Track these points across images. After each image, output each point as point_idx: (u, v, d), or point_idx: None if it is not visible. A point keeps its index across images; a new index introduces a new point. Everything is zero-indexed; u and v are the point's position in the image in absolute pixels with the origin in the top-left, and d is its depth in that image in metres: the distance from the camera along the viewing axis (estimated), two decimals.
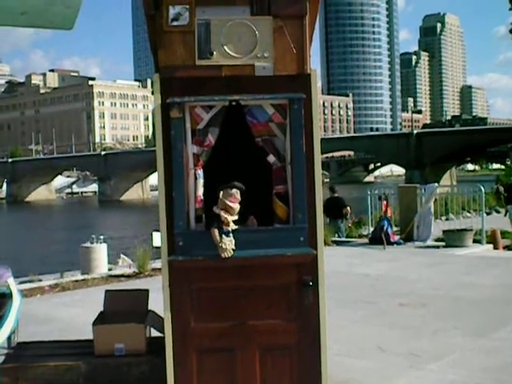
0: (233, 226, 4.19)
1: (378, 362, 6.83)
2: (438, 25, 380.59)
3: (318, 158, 4.34)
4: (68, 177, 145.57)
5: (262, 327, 4.31)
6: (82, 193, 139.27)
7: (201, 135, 4.30)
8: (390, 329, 8.23)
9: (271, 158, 4.34)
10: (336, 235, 19.10)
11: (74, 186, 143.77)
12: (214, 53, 4.24)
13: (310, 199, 4.30)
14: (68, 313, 9.68)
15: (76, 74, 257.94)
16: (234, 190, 4.20)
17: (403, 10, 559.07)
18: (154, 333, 5.42)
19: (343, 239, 19.09)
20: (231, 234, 4.17)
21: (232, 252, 4.17)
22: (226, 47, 4.24)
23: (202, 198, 4.31)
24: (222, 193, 4.20)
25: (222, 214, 4.16)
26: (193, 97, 4.21)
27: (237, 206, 4.21)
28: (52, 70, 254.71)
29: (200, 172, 4.31)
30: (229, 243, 4.16)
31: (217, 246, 4.14)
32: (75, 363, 5.05)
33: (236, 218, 4.21)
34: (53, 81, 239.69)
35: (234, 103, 4.27)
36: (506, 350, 7.19)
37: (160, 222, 4.29)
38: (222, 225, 4.16)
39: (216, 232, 4.15)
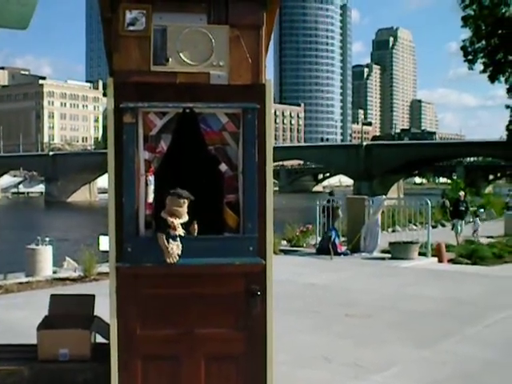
0: (181, 231, 4.17)
1: (324, 372, 6.87)
2: (391, 39, 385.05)
3: (270, 168, 4.34)
4: (14, 176, 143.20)
5: (209, 335, 4.29)
6: (28, 193, 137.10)
7: (153, 141, 4.27)
8: (336, 339, 8.29)
9: (223, 167, 4.34)
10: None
11: (21, 186, 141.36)
12: (170, 59, 4.21)
13: (261, 209, 4.30)
14: (11, 315, 9.53)
15: (27, 73, 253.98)
16: (182, 201, 4.18)
17: (358, 23, 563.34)
18: (100, 339, 5.36)
19: (291, 248, 19.23)
20: (178, 239, 4.16)
21: (177, 258, 4.16)
22: (181, 54, 4.22)
23: (153, 204, 4.29)
24: (169, 199, 4.18)
25: (169, 218, 4.14)
26: (146, 103, 4.18)
27: (184, 210, 4.19)
28: (2, 68, 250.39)
29: (151, 178, 4.28)
30: (175, 248, 4.14)
31: (163, 250, 4.13)
32: (18, 368, 4.96)
33: (184, 220, 4.20)
34: (2, 78, 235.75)
35: (187, 110, 4.25)
36: (451, 362, 7.29)
37: (109, 227, 4.24)
38: (169, 229, 4.14)
39: (163, 237, 4.13)
